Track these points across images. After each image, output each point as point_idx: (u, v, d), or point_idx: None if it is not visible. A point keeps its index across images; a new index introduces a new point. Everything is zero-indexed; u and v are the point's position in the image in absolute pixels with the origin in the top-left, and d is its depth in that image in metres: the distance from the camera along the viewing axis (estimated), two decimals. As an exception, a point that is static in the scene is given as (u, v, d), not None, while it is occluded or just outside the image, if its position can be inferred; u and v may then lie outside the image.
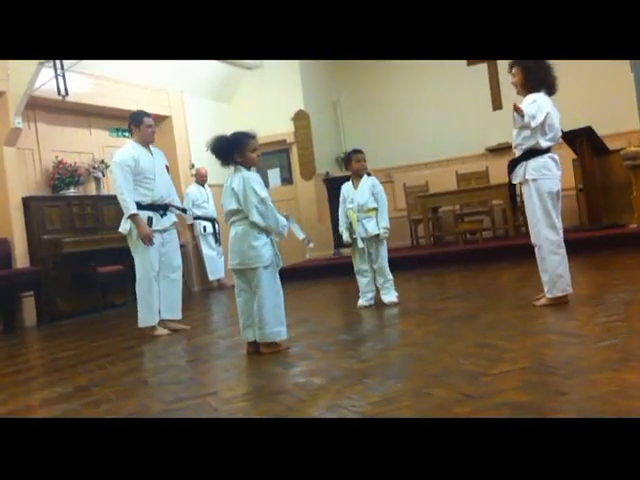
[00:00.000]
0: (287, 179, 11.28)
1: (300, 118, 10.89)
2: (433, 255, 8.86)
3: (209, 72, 10.20)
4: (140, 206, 5.25)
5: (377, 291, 5.49)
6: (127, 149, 5.36)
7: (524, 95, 4.24)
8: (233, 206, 3.91)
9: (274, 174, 11.30)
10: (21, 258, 7.44)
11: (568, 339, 3.27)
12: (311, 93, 11.13)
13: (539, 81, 4.19)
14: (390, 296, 5.39)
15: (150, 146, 5.46)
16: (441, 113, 11.14)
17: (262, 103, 10.76)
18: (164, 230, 5.36)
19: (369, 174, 5.59)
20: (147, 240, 5.18)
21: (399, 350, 3.67)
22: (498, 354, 3.10)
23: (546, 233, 4.18)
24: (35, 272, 7.36)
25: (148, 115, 5.48)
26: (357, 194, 5.46)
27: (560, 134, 4.32)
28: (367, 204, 5.42)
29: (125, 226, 5.28)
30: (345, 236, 5.52)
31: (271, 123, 10.51)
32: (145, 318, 5.31)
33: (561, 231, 4.24)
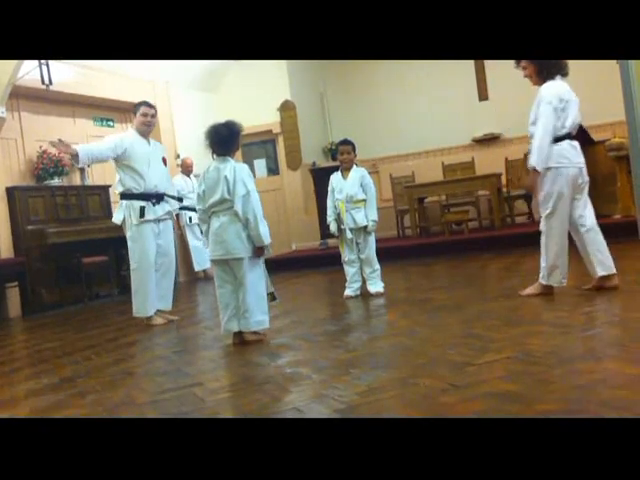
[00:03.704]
0: (273, 169, 11.26)
1: (286, 108, 10.86)
2: (419, 245, 8.88)
3: (195, 62, 10.12)
4: (132, 195, 5.23)
5: (363, 281, 5.50)
6: (123, 133, 5.40)
7: (540, 84, 4.16)
8: (219, 196, 3.90)
9: (260, 164, 11.26)
10: (5, 249, 7.38)
11: (553, 329, 3.30)
12: (298, 83, 11.10)
13: (553, 66, 4.11)
14: (376, 286, 5.40)
15: (150, 139, 5.46)
16: (427, 104, 11.15)
17: (248, 93, 10.71)
18: (158, 220, 5.34)
19: (356, 165, 5.59)
20: (59, 149, 5.08)
21: (385, 340, 3.68)
22: (484, 344, 3.12)
23: (551, 222, 4.13)
24: (19, 263, 7.30)
25: (149, 105, 5.44)
26: (346, 185, 5.46)
27: (579, 120, 4.20)
28: (356, 195, 5.43)
29: (119, 216, 5.27)
30: (332, 227, 5.52)
31: (257, 113, 10.48)
32: (140, 308, 5.29)
33: (585, 219, 4.16)
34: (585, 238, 4.17)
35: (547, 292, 4.21)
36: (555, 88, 4.07)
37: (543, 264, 4.22)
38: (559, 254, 4.15)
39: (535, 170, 4.04)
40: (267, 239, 3.95)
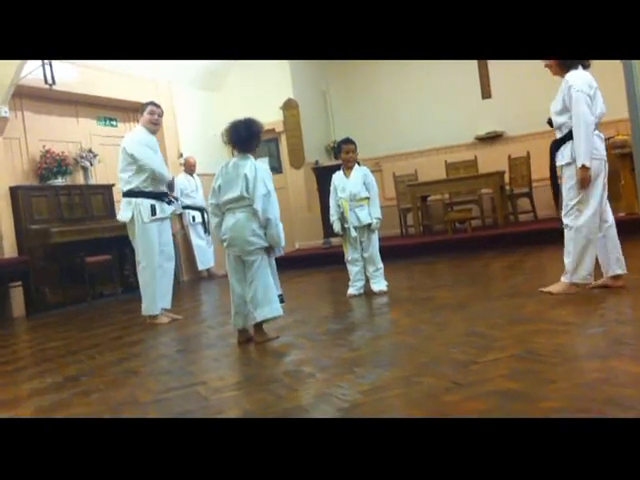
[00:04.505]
0: (276, 168, 11.24)
1: (289, 107, 10.85)
2: (422, 244, 8.88)
3: (197, 61, 10.12)
4: (143, 193, 5.24)
5: (367, 280, 5.50)
6: (137, 134, 5.40)
7: (562, 75, 4.05)
8: (237, 193, 3.89)
9: (263, 163, 11.26)
10: (9, 248, 7.38)
11: (557, 327, 3.29)
12: (300, 82, 11.08)
13: None
14: (380, 285, 5.40)
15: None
16: (431, 102, 11.13)
17: (251, 92, 10.69)
18: (164, 219, 5.36)
19: (358, 163, 5.59)
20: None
21: (389, 339, 3.67)
22: (487, 342, 3.11)
23: (582, 215, 4.00)
24: (23, 262, 7.31)
25: (156, 105, 5.49)
26: (349, 183, 5.46)
27: (605, 110, 4.10)
28: (359, 193, 5.43)
29: (127, 214, 5.26)
30: (336, 226, 5.52)
31: (260, 112, 10.31)
32: (149, 306, 5.31)
33: (607, 215, 4.09)
34: (607, 234, 4.09)
35: (572, 291, 4.07)
36: (581, 77, 3.96)
37: (567, 260, 4.07)
38: (588, 248, 4.00)
39: (584, 166, 3.90)
40: (283, 240, 3.97)
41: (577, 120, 3.92)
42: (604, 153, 4.07)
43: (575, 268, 4.04)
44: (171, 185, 5.53)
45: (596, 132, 4.02)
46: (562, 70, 4.06)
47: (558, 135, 4.13)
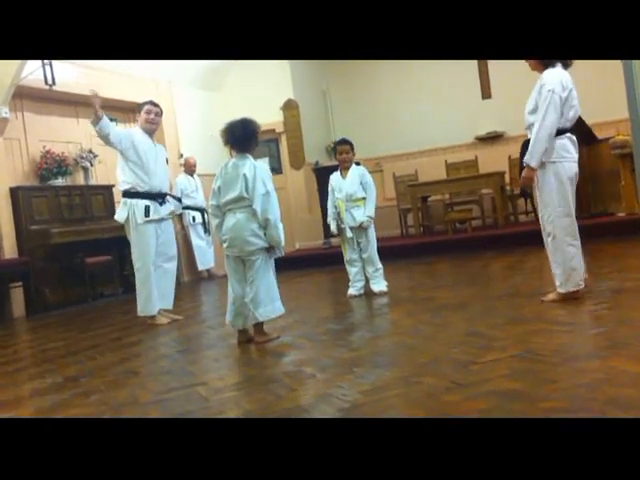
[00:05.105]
0: (276, 169, 11.23)
1: (289, 107, 10.85)
2: (423, 244, 8.88)
3: (198, 61, 10.12)
4: (137, 194, 5.24)
5: (367, 280, 5.50)
6: (131, 129, 5.41)
7: (540, 71, 3.91)
8: (237, 193, 3.88)
9: (263, 163, 11.24)
10: (9, 249, 7.38)
11: (557, 327, 3.29)
12: (300, 82, 11.08)
13: None
14: (380, 285, 5.40)
15: (154, 140, 5.48)
16: (430, 102, 11.13)
17: (251, 92, 10.67)
18: (161, 219, 5.35)
19: (358, 163, 5.59)
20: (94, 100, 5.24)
21: (389, 339, 3.67)
22: (487, 342, 3.11)
23: (562, 222, 3.84)
24: (23, 263, 7.31)
25: (154, 104, 5.48)
26: (345, 184, 5.46)
27: (579, 112, 3.94)
28: (356, 194, 5.42)
29: (122, 214, 5.27)
30: (332, 226, 5.51)
31: (260, 112, 10.30)
32: (144, 307, 5.30)
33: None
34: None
35: (572, 297, 3.89)
36: (558, 76, 3.83)
37: (557, 271, 3.91)
38: (575, 254, 3.86)
39: (529, 166, 3.82)
40: (283, 241, 3.96)
41: (539, 119, 3.79)
42: (577, 156, 3.94)
43: (567, 278, 3.89)
44: (99, 119, 5.25)
45: (568, 134, 3.89)
46: (540, 67, 3.93)
47: (529, 135, 3.95)
